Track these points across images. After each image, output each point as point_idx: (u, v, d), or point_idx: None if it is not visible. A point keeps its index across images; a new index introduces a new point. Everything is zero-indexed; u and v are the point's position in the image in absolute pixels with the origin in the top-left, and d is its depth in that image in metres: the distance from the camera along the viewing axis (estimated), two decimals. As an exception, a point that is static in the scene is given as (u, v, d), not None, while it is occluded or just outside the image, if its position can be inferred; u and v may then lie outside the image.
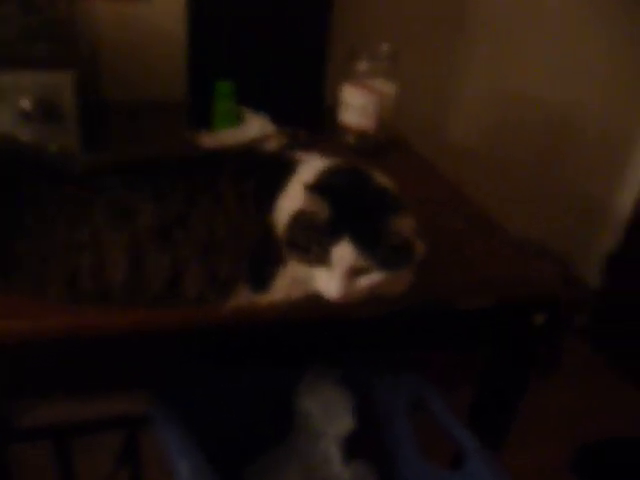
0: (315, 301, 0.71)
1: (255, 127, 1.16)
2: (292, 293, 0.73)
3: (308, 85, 1.26)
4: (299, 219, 0.68)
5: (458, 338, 0.88)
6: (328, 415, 1.03)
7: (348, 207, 0.66)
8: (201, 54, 1.20)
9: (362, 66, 1.18)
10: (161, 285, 0.69)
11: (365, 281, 0.67)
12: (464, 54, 1.65)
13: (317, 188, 0.66)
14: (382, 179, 0.72)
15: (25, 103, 0.87)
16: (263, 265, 0.72)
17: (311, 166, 0.72)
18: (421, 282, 0.79)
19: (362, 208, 0.67)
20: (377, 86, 1.18)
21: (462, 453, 0.93)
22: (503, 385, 0.96)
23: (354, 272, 0.66)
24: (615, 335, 2.14)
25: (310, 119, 1.25)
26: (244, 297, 0.72)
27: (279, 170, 0.74)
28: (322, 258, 0.66)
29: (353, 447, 1.06)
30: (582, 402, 1.92)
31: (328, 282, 0.67)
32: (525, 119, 1.82)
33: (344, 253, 0.65)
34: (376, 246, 0.65)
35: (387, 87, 1.19)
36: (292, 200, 0.70)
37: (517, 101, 1.78)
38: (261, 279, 0.72)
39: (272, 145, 1.15)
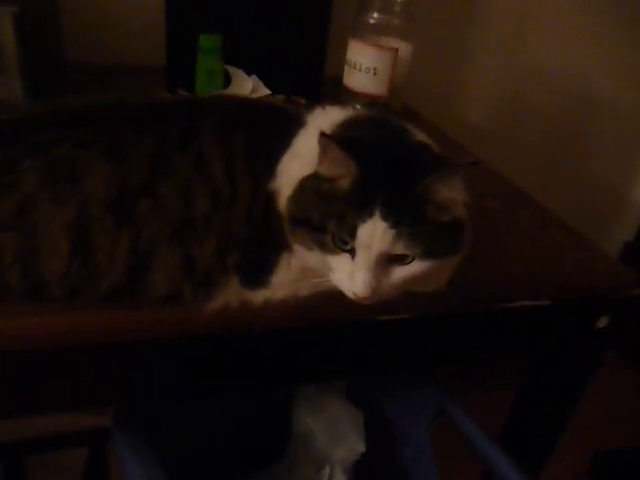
0: (329, 301, 0.52)
1: (245, 89, 0.97)
2: (298, 290, 0.55)
3: (308, 42, 1.06)
4: (311, 186, 0.49)
5: (504, 346, 0.70)
6: (333, 436, 0.85)
7: (379, 170, 0.47)
8: (181, 3, 1.01)
9: (373, 20, 0.99)
10: (117, 277, 0.50)
11: (401, 274, 0.49)
12: (482, 23, 1.48)
13: (340, 141, 0.47)
14: (420, 134, 0.54)
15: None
16: (260, 251, 0.53)
17: (327, 115, 0.54)
18: (459, 272, 0.60)
19: (398, 171, 0.48)
20: (389, 44, 0.99)
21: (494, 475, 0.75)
22: (552, 398, 0.79)
23: (387, 260, 0.48)
24: (633, 332, 2.00)
25: (310, 83, 1.06)
26: (232, 294, 0.53)
27: (280, 123, 0.56)
28: (343, 241, 0.48)
29: (363, 472, 0.88)
30: (602, 406, 1.79)
31: (351, 275, 0.48)
32: (543, 99, 1.67)
33: (375, 234, 0.46)
34: (418, 224, 0.47)
35: (402, 46, 1.01)
36: (302, 161, 0.51)
37: (536, 78, 1.63)
38: (256, 270, 0.54)
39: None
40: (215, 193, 0.51)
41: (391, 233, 0.46)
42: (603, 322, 0.69)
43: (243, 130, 0.53)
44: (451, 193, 0.49)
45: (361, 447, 0.84)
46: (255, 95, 0.98)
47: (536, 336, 0.69)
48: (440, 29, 1.42)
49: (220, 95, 0.85)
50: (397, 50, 0.98)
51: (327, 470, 0.84)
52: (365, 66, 1.00)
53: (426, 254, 0.48)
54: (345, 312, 0.55)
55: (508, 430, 0.84)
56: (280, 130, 0.54)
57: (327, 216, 0.48)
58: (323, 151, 0.47)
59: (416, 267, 0.48)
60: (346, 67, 1.03)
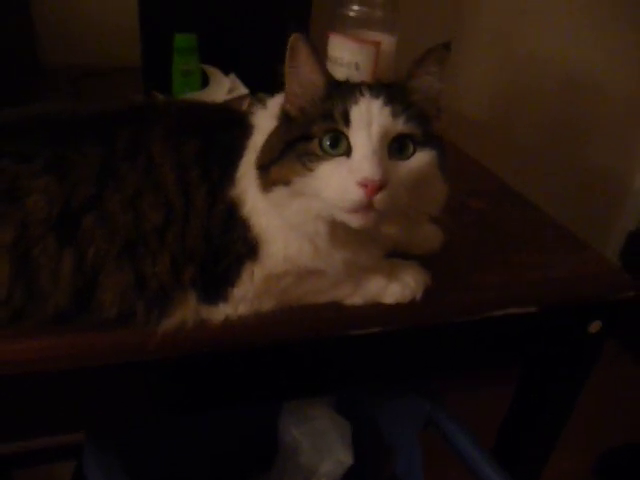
0: (294, 317, 0.49)
1: (222, 89, 0.93)
2: (261, 304, 0.51)
3: (288, 38, 1.02)
4: (277, 131, 0.49)
5: (494, 355, 0.66)
6: (319, 449, 0.82)
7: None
8: (156, 2, 0.97)
9: (354, 12, 0.95)
10: (62, 298, 0.46)
11: (404, 170, 0.45)
12: (473, 12, 1.44)
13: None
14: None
15: None
16: (220, 263, 0.50)
17: (269, 111, 0.52)
18: (442, 283, 0.57)
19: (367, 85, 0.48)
20: (370, 38, 0.95)
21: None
22: (546, 405, 0.75)
23: (388, 152, 0.45)
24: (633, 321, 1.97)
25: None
26: (189, 312, 0.50)
27: (229, 126, 0.52)
28: (334, 141, 0.45)
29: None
30: (608, 403, 1.76)
31: (351, 171, 0.43)
32: (540, 88, 1.63)
33: (371, 110, 0.45)
34: (408, 105, 0.46)
35: (385, 40, 0.96)
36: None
37: (532, 67, 1.59)
38: (216, 283, 0.50)
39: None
40: (167, 205, 0.48)
41: (387, 109, 0.45)
42: (595, 327, 0.65)
43: (193, 136, 0.50)
44: (430, 79, 0.48)
45: (348, 460, 0.80)
46: (233, 94, 0.94)
47: (525, 343, 0.65)
48: (428, 19, 1.38)
49: (168, 100, 0.82)
50: (379, 43, 0.94)
51: (313, 483, 0.81)
52: (346, 61, 0.95)
53: (425, 139, 0.46)
54: (317, 325, 0.51)
55: (501, 436, 0.81)
56: (231, 134, 0.51)
57: (308, 123, 0.46)
58: (293, 54, 0.48)
59: (417, 161, 0.46)
60: (328, 62, 0.99)
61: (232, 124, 0.53)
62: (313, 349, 0.56)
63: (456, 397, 1.01)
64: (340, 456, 0.80)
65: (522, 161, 1.71)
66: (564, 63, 1.60)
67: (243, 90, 0.95)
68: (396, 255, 0.56)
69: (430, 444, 0.79)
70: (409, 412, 0.80)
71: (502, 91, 1.59)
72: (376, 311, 0.54)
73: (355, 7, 0.95)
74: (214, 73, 0.96)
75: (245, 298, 0.51)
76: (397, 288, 0.55)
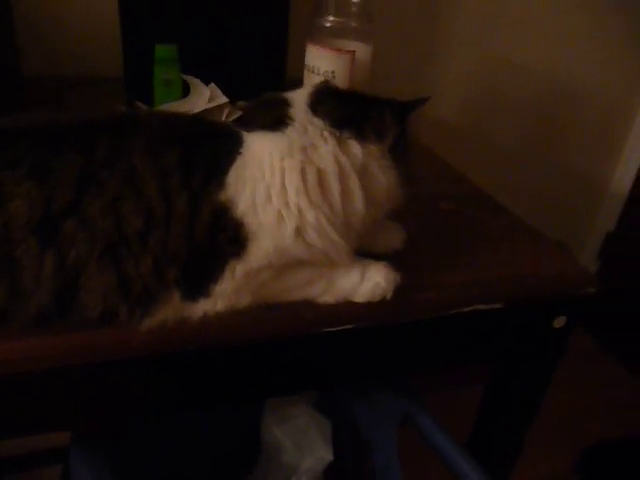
0: (268, 313, 0.51)
1: (203, 98, 0.96)
2: (239, 299, 0.54)
3: (266, 48, 1.05)
4: None
5: (463, 350, 0.69)
6: (300, 446, 0.84)
7: None
8: (137, 14, 0.99)
9: (329, 23, 0.98)
10: (45, 299, 0.49)
11: None
12: (448, 18, 1.47)
13: None
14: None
15: None
16: (204, 262, 0.52)
17: None
18: (421, 280, 0.60)
19: None
20: (346, 47, 0.98)
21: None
22: (515, 399, 0.78)
23: None
24: (610, 319, 2.02)
25: (271, 88, 1.04)
26: (171, 310, 0.52)
27: (214, 136, 0.55)
28: None
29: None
30: (587, 398, 1.81)
31: None
32: (516, 92, 1.68)
33: None
34: None
35: (360, 49, 1.00)
36: (257, 168, 0.53)
37: (507, 72, 1.63)
38: (200, 280, 0.53)
39: (224, 119, 0.95)
40: (148, 211, 0.50)
41: None
42: (560, 322, 0.68)
43: (175, 146, 0.52)
44: None
45: (328, 456, 0.83)
46: (213, 103, 0.96)
47: (493, 338, 0.68)
48: (406, 27, 1.42)
49: (150, 111, 0.84)
50: (354, 52, 0.97)
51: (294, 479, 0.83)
52: (323, 70, 0.98)
53: None
54: (287, 324, 0.54)
55: (475, 432, 0.83)
56: (217, 143, 0.54)
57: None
58: None
59: None
60: (305, 71, 1.02)
61: (216, 134, 0.56)
62: (289, 347, 0.58)
63: (436, 396, 1.04)
64: (321, 453, 0.82)
65: (501, 165, 1.75)
66: (540, 68, 1.65)
67: (223, 99, 0.97)
68: (360, 254, 0.59)
69: (411, 441, 0.82)
70: (387, 409, 0.83)
71: (478, 96, 1.63)
72: (348, 309, 0.57)
73: (331, 18, 0.98)
74: (194, 83, 0.99)
75: (224, 294, 0.53)
76: (368, 287, 0.58)
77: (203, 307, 0.53)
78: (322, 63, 0.98)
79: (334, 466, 0.84)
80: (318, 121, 0.57)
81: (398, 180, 0.58)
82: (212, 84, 1.00)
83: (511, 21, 1.53)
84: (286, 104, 0.59)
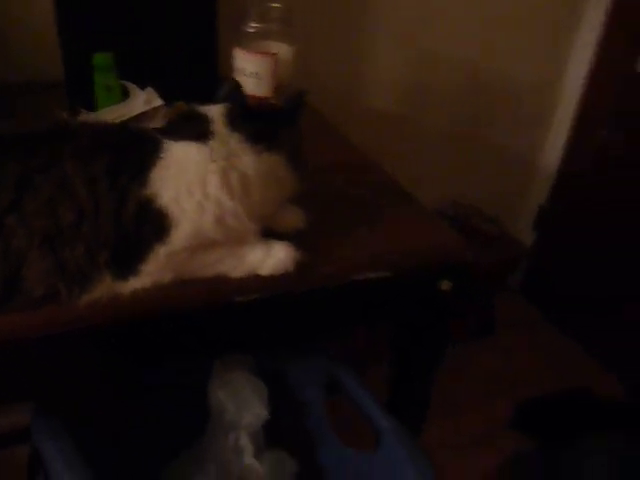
0: (194, 286, 0.63)
1: (140, 101, 1.06)
2: (162, 277, 0.66)
3: (198, 52, 1.16)
4: None
5: (361, 313, 0.81)
6: (239, 407, 0.96)
7: None
8: (73, 23, 1.08)
9: (252, 29, 1.09)
10: None
11: None
12: (373, 16, 1.58)
13: None
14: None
15: None
16: (131, 246, 0.64)
17: None
18: (319, 254, 0.72)
19: None
20: (270, 49, 1.09)
21: (378, 433, 0.88)
22: (417, 355, 0.91)
23: None
24: (550, 288, 2.17)
25: (203, 91, 1.14)
26: (105, 289, 0.64)
27: (144, 142, 0.67)
28: None
29: (269, 437, 1.00)
30: (522, 359, 1.95)
31: None
32: (445, 80, 1.78)
33: None
34: None
35: (282, 50, 1.10)
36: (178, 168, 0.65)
37: (435, 62, 1.73)
38: (128, 261, 0.64)
39: (160, 121, 1.05)
40: (80, 208, 0.61)
41: None
42: (446, 285, 0.81)
43: (103, 153, 0.63)
44: None
45: (264, 412, 0.95)
46: (150, 106, 1.06)
47: (388, 303, 0.81)
48: (334, 24, 1.51)
49: (83, 122, 0.94)
50: (276, 54, 1.08)
51: (234, 435, 0.95)
52: (249, 71, 1.09)
53: None
54: (207, 294, 0.65)
55: (391, 391, 0.97)
56: (140, 148, 0.65)
57: None
58: None
59: None
60: (235, 73, 1.13)
61: (141, 141, 0.67)
62: (208, 316, 0.70)
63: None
64: (257, 410, 0.94)
65: (436, 149, 1.87)
66: (466, 57, 1.75)
67: (159, 102, 1.07)
68: (267, 235, 0.71)
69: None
70: (315, 370, 0.96)
71: (409, 86, 1.73)
72: (256, 282, 0.69)
73: (254, 24, 1.09)
74: (132, 87, 1.09)
75: (150, 273, 0.65)
76: (272, 262, 0.70)
77: (133, 285, 0.65)
78: (248, 65, 1.09)
79: (273, 426, 0.97)
80: (237, 135, 0.69)
81: (295, 174, 0.72)
82: (149, 88, 1.10)
83: (435, 14, 1.63)
84: (207, 120, 0.70)
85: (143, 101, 1.06)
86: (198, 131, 0.69)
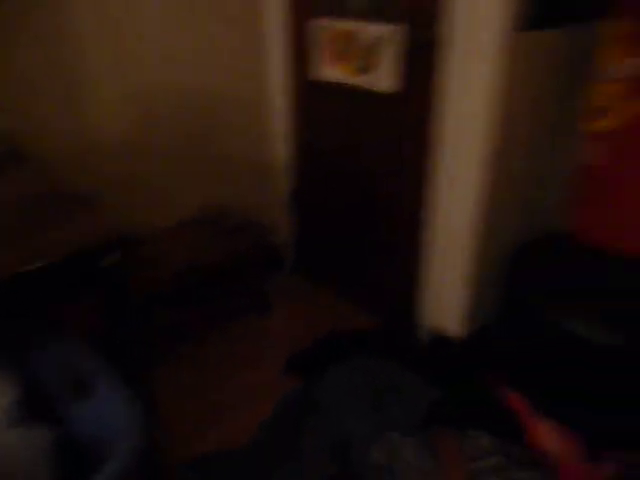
0: None
1: None
2: None
3: None
4: None
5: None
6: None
7: None
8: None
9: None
10: None
11: None
12: (91, 58, 1.77)
13: None
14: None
15: None
16: None
17: None
18: None
19: None
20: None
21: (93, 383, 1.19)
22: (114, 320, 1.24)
23: None
24: (314, 262, 2.58)
25: None
26: None
27: None
28: None
29: (26, 412, 1.23)
30: (298, 325, 2.34)
31: None
32: (172, 105, 2.02)
33: None
34: None
35: None
36: None
37: (160, 91, 1.96)
38: None
39: None
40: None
41: None
42: (107, 261, 1.13)
43: None
44: None
45: (10, 392, 1.20)
46: None
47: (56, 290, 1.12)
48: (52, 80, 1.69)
49: None
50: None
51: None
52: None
53: None
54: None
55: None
56: None
57: None
58: None
59: None
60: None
61: None
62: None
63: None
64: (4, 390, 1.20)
65: (174, 165, 2.11)
66: (189, 82, 2.01)
67: None
68: None
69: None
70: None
71: (139, 114, 1.93)
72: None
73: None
74: None
75: None
76: None
77: None
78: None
79: (26, 402, 1.21)
80: None
81: None
82: None
83: (143, 50, 1.85)
84: None
85: None
86: None
